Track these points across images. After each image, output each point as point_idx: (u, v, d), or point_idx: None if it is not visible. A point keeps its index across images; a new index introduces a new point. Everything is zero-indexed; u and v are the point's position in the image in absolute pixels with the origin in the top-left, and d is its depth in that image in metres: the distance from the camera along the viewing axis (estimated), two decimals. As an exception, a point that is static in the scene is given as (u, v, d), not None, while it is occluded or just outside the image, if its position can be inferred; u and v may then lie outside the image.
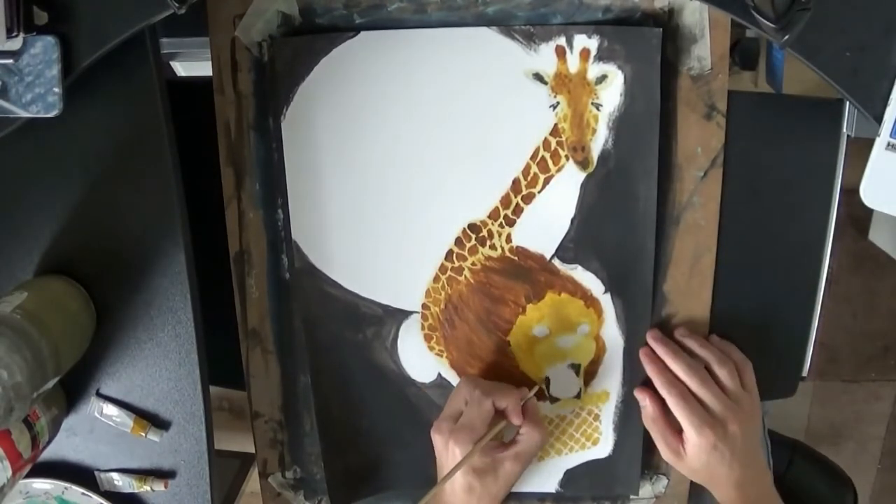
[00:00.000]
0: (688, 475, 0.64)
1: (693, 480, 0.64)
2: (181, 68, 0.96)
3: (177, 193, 0.59)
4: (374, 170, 0.62)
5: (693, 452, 0.61)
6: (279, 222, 0.64)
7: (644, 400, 0.64)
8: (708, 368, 0.62)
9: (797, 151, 0.63)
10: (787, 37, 0.50)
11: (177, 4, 0.50)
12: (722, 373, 0.62)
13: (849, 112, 0.61)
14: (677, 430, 0.62)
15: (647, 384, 0.64)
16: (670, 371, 0.62)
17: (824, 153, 0.63)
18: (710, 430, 0.59)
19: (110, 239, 0.60)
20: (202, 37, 0.61)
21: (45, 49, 0.51)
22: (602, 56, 0.58)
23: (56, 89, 0.51)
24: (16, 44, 0.50)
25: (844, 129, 0.62)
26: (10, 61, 0.51)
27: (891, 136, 0.52)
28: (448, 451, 0.59)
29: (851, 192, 0.57)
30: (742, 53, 1.24)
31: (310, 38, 0.59)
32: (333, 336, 0.66)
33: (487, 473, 0.60)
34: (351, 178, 0.62)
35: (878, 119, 0.52)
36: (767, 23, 0.49)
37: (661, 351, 0.64)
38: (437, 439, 0.61)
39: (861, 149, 0.55)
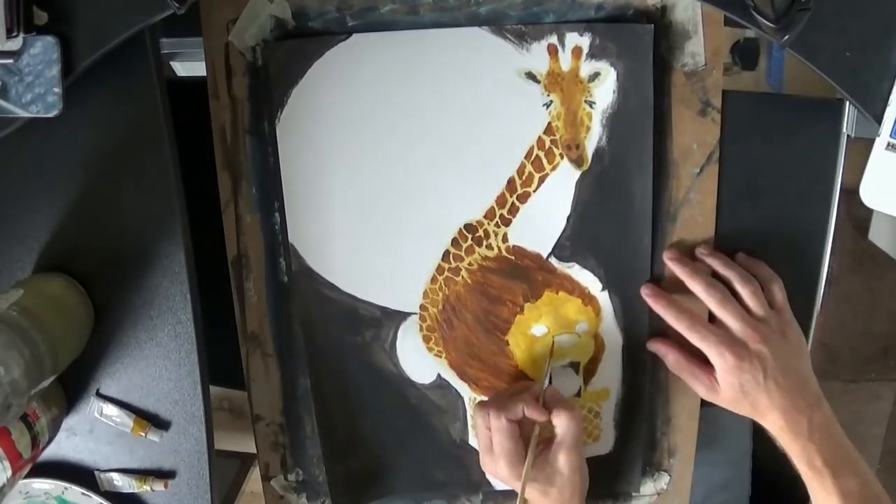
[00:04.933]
0: (732, 409, 0.61)
1: (743, 414, 0.60)
2: (181, 68, 0.96)
3: (177, 193, 0.59)
4: (369, 171, 0.62)
5: (723, 380, 0.59)
6: (276, 226, 0.64)
7: (660, 350, 0.63)
8: (731, 289, 0.60)
9: (797, 151, 0.63)
10: (787, 37, 0.50)
11: (177, 4, 0.50)
12: (745, 291, 0.60)
13: (849, 112, 0.61)
14: (706, 365, 0.60)
15: (659, 335, 0.64)
16: (677, 304, 0.61)
17: (824, 153, 0.63)
18: (728, 351, 0.57)
19: (110, 238, 0.60)
20: (202, 37, 0.61)
21: (45, 49, 0.51)
22: (594, 53, 0.58)
23: (56, 89, 0.51)
24: (16, 44, 0.50)
25: (844, 129, 0.62)
26: (10, 61, 0.51)
27: (891, 136, 0.52)
28: (502, 479, 0.60)
29: (851, 192, 0.57)
30: (742, 53, 1.24)
31: (302, 41, 0.59)
32: (332, 339, 0.66)
33: (552, 474, 0.59)
34: (346, 181, 0.62)
35: (878, 119, 0.52)
36: (767, 23, 0.50)
37: (679, 271, 0.61)
38: (490, 474, 0.62)
39: (861, 149, 0.55)
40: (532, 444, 0.59)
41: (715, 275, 0.62)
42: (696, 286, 0.60)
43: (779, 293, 0.61)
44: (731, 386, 0.58)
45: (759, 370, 0.57)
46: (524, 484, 0.58)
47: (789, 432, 0.58)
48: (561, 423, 0.60)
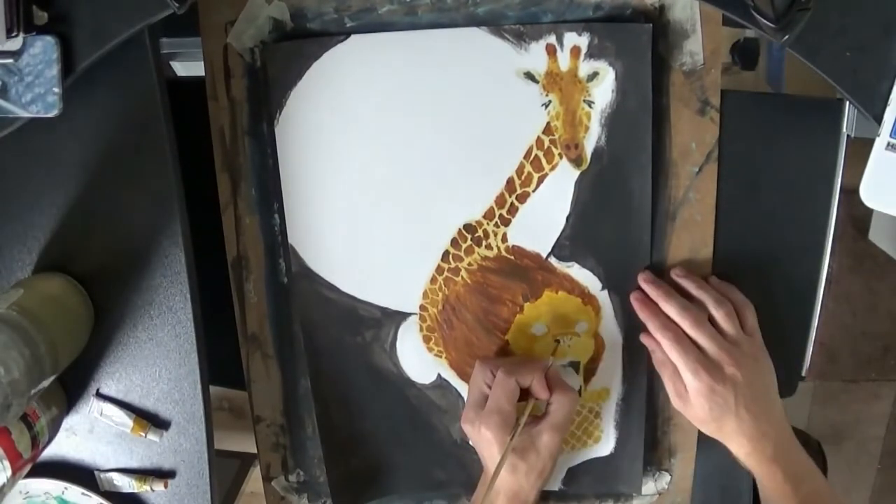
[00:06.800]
0: (699, 426, 0.61)
1: (707, 434, 0.61)
2: (181, 68, 0.96)
3: (177, 193, 0.59)
4: (368, 172, 0.62)
5: (694, 398, 0.59)
6: (276, 227, 0.64)
7: (651, 344, 0.63)
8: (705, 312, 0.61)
9: (797, 151, 0.63)
10: (787, 37, 0.50)
11: (177, 4, 0.50)
12: (719, 314, 0.60)
13: (849, 112, 0.61)
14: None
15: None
16: (664, 314, 0.61)
17: (824, 153, 0.63)
18: (704, 373, 0.58)
19: (110, 238, 0.61)
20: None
21: (44, 49, 0.51)
22: (593, 53, 0.58)
23: (56, 89, 0.51)
24: (16, 44, 0.50)
25: (844, 129, 0.62)
26: (10, 61, 0.51)
27: (891, 136, 0.52)
28: (482, 438, 0.59)
29: (851, 192, 0.57)
30: (742, 53, 1.24)
31: (301, 42, 0.59)
32: (332, 339, 0.66)
33: (528, 450, 0.59)
34: (345, 182, 0.62)
35: (878, 119, 0.52)
36: (767, 23, 0.50)
37: (653, 293, 0.62)
38: (468, 429, 0.60)
39: (861, 149, 0.55)
40: (525, 414, 0.59)
41: (689, 297, 0.62)
42: (670, 308, 0.61)
43: (751, 318, 0.62)
44: (701, 406, 0.59)
45: (731, 394, 0.58)
46: (507, 451, 0.57)
47: (755, 457, 0.59)
48: (558, 401, 0.60)
